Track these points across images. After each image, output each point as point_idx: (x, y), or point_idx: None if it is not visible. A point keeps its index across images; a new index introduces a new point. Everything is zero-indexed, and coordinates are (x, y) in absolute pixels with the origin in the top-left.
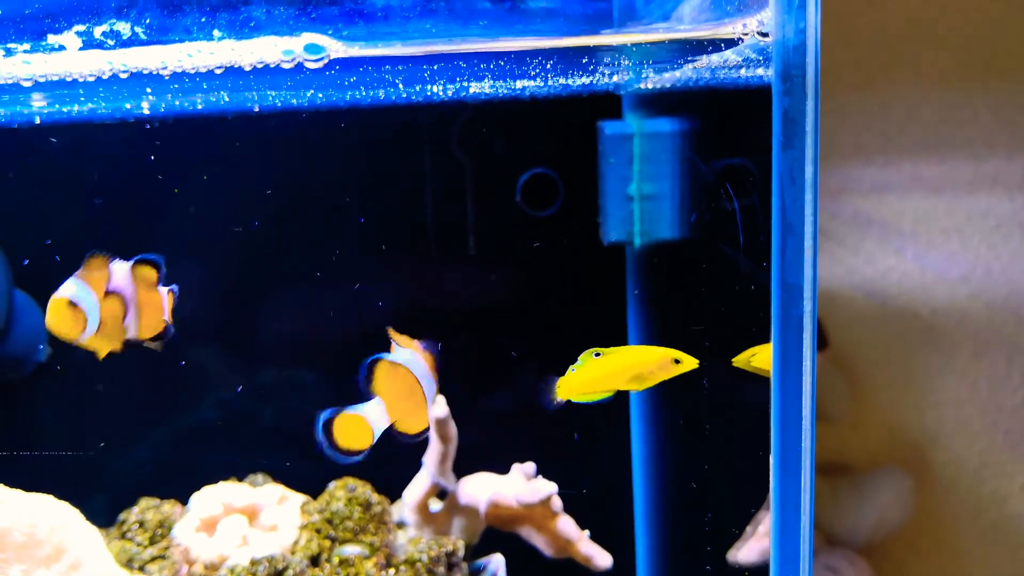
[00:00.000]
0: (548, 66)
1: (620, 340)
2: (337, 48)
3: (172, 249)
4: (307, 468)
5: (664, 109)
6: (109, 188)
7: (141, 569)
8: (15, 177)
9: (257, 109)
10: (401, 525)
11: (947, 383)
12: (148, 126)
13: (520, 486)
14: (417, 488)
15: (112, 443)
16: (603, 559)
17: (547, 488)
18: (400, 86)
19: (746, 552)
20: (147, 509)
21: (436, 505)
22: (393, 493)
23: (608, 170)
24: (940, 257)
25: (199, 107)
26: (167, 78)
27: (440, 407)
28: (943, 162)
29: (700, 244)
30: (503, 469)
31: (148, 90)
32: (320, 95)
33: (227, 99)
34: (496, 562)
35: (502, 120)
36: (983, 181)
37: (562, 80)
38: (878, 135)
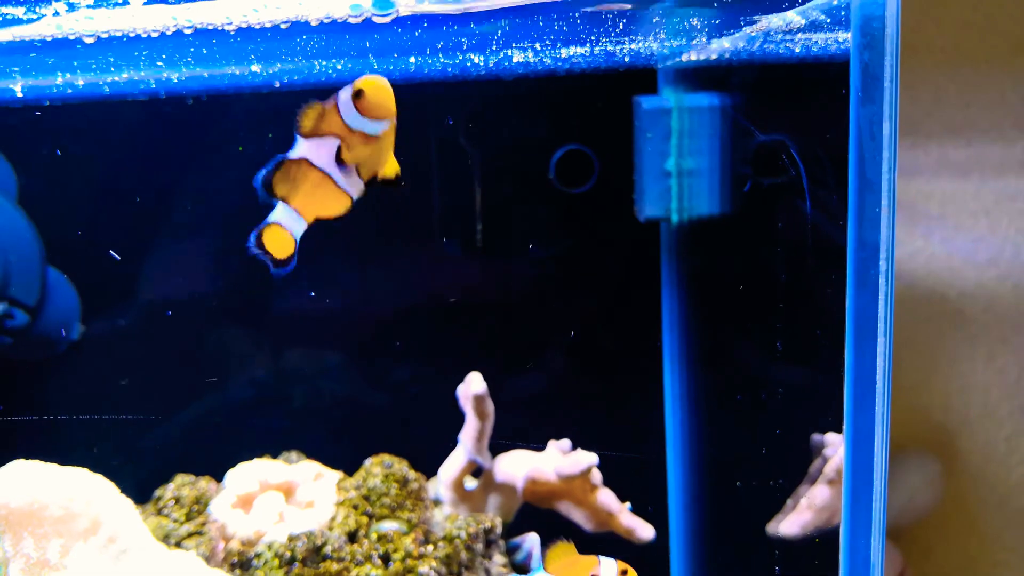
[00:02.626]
0: (603, 28)
1: (654, 316)
2: (407, 3)
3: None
4: (340, 446)
5: (703, 83)
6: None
7: (178, 545)
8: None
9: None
10: (437, 503)
11: (974, 367)
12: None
13: (558, 460)
14: (453, 465)
15: (145, 421)
16: (645, 531)
17: (587, 459)
18: (441, 56)
19: (787, 525)
20: (183, 486)
21: (472, 483)
22: (428, 471)
23: (645, 145)
24: (968, 240)
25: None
26: (232, 33)
27: (478, 383)
28: (970, 145)
29: (742, 219)
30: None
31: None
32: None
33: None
34: (531, 540)
35: (537, 96)
36: (1011, 164)
37: (610, 46)
38: (905, 118)
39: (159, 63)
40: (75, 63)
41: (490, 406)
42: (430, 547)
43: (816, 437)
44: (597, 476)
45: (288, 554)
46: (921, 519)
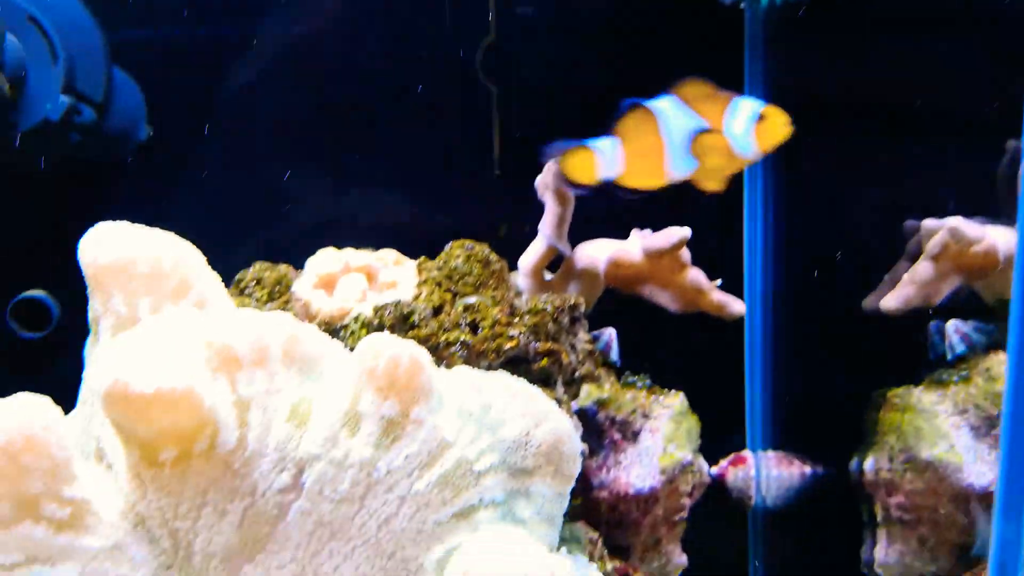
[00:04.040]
0: None
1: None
2: None
3: None
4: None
5: None
6: None
7: None
8: None
9: None
10: (517, 293)
11: None
12: None
13: (646, 239)
14: (533, 253)
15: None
16: (737, 306)
17: (679, 232)
18: None
19: (890, 299)
20: (263, 270)
21: (551, 275)
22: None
23: None
24: None
25: None
26: None
27: (556, 171)
28: None
29: None
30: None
31: None
32: None
33: None
34: (609, 332)
35: None
36: None
37: None
38: None
39: None
40: None
41: (570, 192)
42: (515, 318)
43: (910, 222)
44: (686, 254)
45: (376, 322)
46: None
